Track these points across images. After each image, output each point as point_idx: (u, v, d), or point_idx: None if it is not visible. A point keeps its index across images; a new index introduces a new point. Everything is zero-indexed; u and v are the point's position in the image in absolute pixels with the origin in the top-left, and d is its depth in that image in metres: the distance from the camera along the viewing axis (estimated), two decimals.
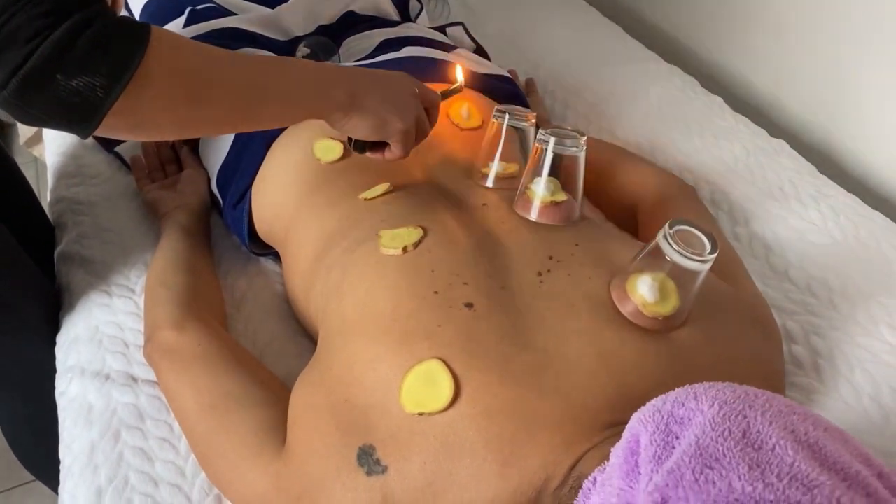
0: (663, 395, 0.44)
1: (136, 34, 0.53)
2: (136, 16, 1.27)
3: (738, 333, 0.65)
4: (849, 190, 1.01)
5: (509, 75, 1.08)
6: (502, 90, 1.00)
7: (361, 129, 0.70)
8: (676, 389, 0.44)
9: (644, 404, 0.51)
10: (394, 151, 0.73)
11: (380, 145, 0.74)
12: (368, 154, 0.74)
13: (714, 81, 1.37)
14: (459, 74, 0.84)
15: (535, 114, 0.81)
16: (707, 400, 0.41)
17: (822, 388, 0.73)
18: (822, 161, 1.14)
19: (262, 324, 0.84)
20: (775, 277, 0.87)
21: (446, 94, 0.82)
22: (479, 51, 1.21)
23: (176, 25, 1.16)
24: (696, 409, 0.41)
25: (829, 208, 0.95)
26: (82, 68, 0.50)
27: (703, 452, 0.38)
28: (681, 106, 1.16)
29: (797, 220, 0.94)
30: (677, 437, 0.41)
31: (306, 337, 0.83)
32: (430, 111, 0.76)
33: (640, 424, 0.43)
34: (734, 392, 0.42)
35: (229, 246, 0.94)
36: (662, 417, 0.42)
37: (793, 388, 0.73)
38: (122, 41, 0.52)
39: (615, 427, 0.55)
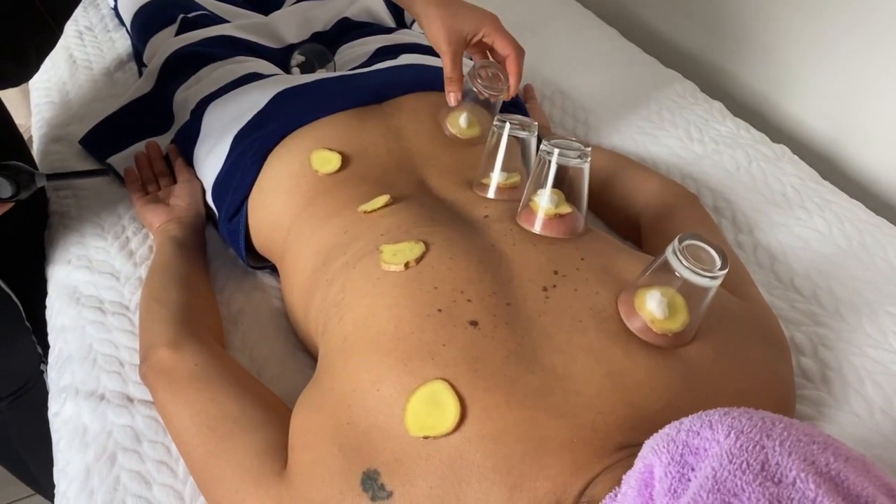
0: (676, 423, 0.43)
1: None
2: (127, 25, 1.26)
3: (748, 348, 0.64)
4: (852, 195, 1.00)
5: None
6: None
7: None
8: (690, 416, 0.43)
9: (655, 425, 0.50)
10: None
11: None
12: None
13: (713, 85, 1.35)
14: None
15: (535, 123, 0.80)
16: (723, 429, 0.40)
17: (832, 401, 0.72)
18: (824, 165, 1.13)
19: (260, 339, 0.82)
20: (781, 287, 0.86)
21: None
22: None
23: (168, 33, 1.15)
24: (711, 438, 0.40)
25: (834, 215, 0.94)
26: None
27: (721, 487, 0.37)
28: (681, 112, 1.14)
29: (801, 227, 0.92)
30: (693, 469, 0.39)
31: (306, 353, 0.81)
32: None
33: (654, 454, 0.41)
34: (750, 420, 0.40)
35: (226, 259, 0.92)
36: (677, 447, 0.40)
37: (802, 402, 0.72)
38: None
39: (626, 449, 0.53)
